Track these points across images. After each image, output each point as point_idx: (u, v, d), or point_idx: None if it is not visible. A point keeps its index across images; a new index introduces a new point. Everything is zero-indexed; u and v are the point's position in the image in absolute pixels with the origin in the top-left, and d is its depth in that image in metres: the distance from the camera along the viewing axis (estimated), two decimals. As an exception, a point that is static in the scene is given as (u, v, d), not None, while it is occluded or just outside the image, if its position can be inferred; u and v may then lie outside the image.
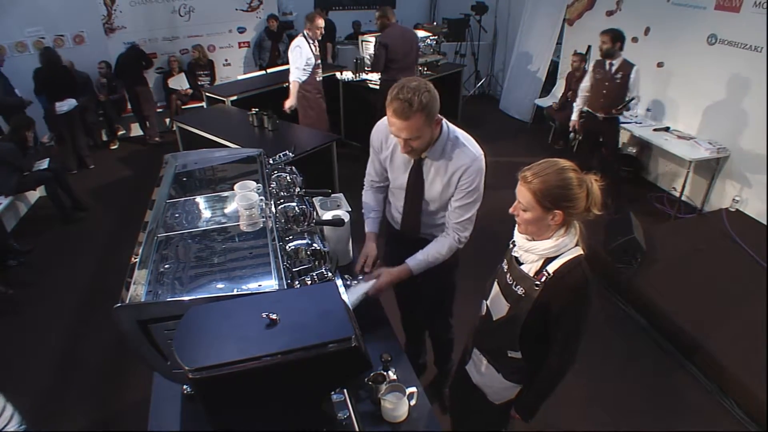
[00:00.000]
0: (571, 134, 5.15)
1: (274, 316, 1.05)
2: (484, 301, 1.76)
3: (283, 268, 1.46)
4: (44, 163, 4.82)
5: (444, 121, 1.87)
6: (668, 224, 4.53)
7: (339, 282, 2.14)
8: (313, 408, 1.17)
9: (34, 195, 5.20)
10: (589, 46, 6.20)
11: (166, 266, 1.50)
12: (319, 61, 4.95)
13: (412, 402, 1.57)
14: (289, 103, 4.92)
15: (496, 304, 1.67)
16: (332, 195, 2.46)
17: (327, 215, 2.18)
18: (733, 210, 4.26)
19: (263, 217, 1.72)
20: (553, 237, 1.48)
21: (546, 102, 6.61)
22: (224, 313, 1.12)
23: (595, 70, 4.38)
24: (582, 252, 1.48)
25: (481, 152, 1.91)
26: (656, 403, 2.83)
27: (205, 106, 5.68)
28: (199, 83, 6.93)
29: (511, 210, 1.53)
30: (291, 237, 1.67)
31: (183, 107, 6.74)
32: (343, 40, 8.81)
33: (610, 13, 5.84)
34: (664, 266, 3.59)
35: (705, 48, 4.58)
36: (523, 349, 1.63)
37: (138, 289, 1.38)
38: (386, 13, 5.01)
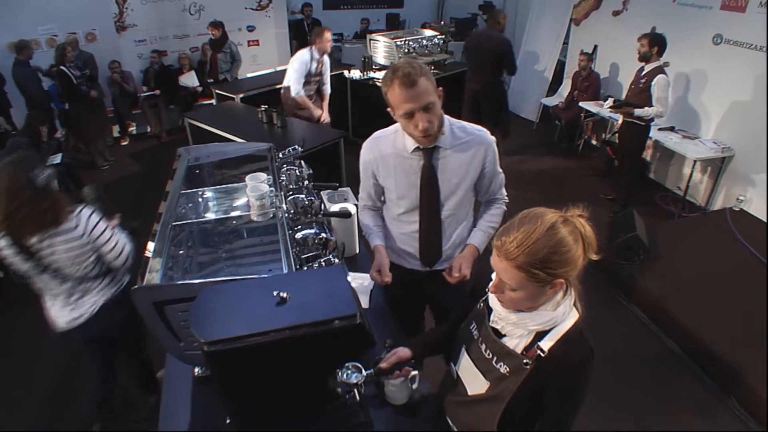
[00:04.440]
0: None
1: (284, 295, 1.12)
2: (452, 364, 1.45)
3: (293, 255, 1.53)
4: (57, 158, 4.89)
5: None
6: (672, 223, 4.54)
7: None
8: (320, 384, 1.23)
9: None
10: (596, 46, 6.22)
11: (181, 252, 1.57)
12: (319, 77, 4.86)
13: (414, 385, 1.63)
14: (324, 116, 5.02)
15: (471, 378, 1.35)
16: (339, 189, 2.53)
17: (334, 208, 2.25)
18: (737, 209, 4.26)
19: (273, 207, 1.79)
20: (548, 307, 1.19)
21: (552, 101, 6.64)
22: (237, 292, 1.19)
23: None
24: (579, 315, 1.22)
25: None
26: (657, 401, 2.82)
27: (214, 104, 5.77)
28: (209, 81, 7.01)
29: (491, 289, 1.23)
30: (300, 227, 1.73)
31: (193, 104, 6.83)
32: (351, 39, 8.89)
33: (616, 13, 5.86)
34: (668, 265, 3.61)
35: (710, 48, 4.60)
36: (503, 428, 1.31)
37: (154, 274, 1.46)
38: (492, 17, 5.29)
